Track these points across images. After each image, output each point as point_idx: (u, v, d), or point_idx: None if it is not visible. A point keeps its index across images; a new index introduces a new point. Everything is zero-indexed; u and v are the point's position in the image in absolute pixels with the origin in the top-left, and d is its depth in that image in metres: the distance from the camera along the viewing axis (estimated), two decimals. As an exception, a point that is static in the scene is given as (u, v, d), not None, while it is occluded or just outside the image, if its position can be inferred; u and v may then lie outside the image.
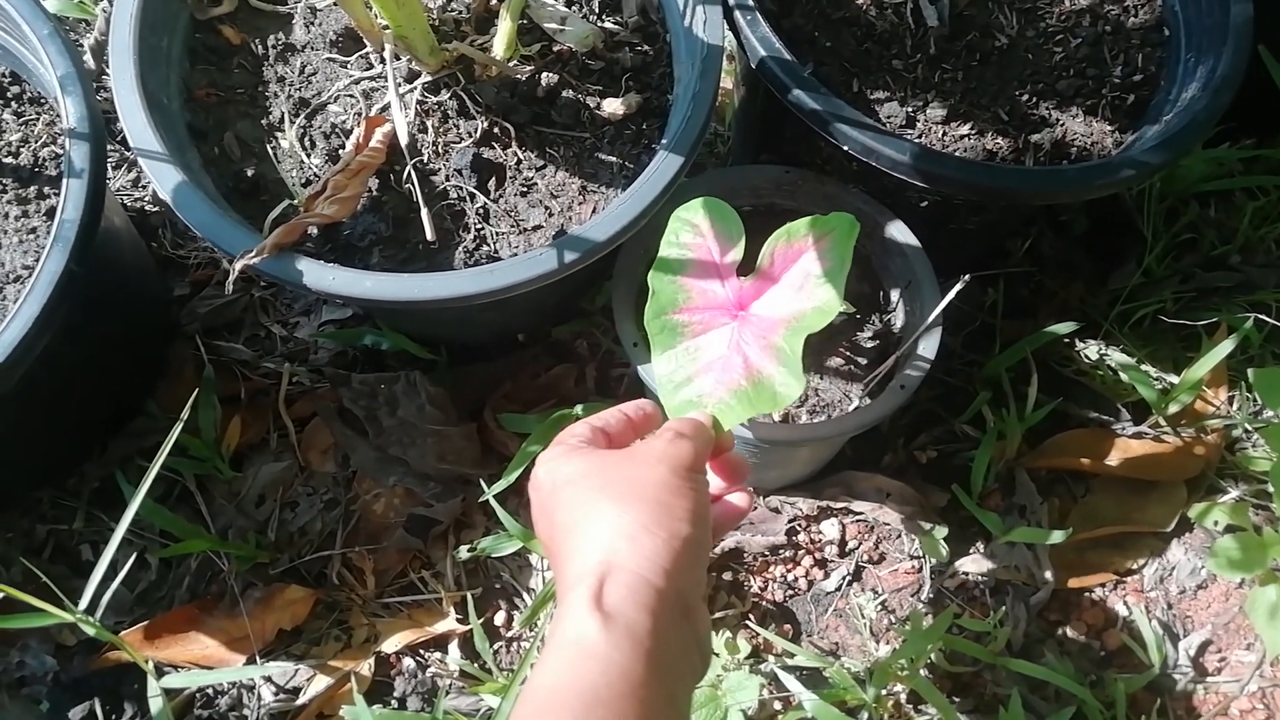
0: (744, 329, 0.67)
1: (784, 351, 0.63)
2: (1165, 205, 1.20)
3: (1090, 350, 1.13)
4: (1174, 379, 1.09)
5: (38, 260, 0.79)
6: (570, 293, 1.09)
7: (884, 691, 0.93)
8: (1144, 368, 1.11)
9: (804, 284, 0.65)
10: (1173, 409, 1.06)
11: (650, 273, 0.69)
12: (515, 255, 0.84)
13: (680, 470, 0.54)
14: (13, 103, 0.95)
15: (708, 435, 0.60)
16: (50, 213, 0.89)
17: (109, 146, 1.11)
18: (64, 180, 0.79)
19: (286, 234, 0.78)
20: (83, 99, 0.82)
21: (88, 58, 1.11)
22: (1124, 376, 1.08)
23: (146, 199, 1.14)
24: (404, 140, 0.81)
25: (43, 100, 0.95)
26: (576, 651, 0.46)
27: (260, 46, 0.92)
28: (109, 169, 1.14)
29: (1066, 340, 1.12)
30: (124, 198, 1.13)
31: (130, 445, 1.02)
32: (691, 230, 0.69)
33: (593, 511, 0.52)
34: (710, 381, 0.65)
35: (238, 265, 0.75)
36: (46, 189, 0.90)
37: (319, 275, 0.78)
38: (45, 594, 0.84)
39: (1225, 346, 1.01)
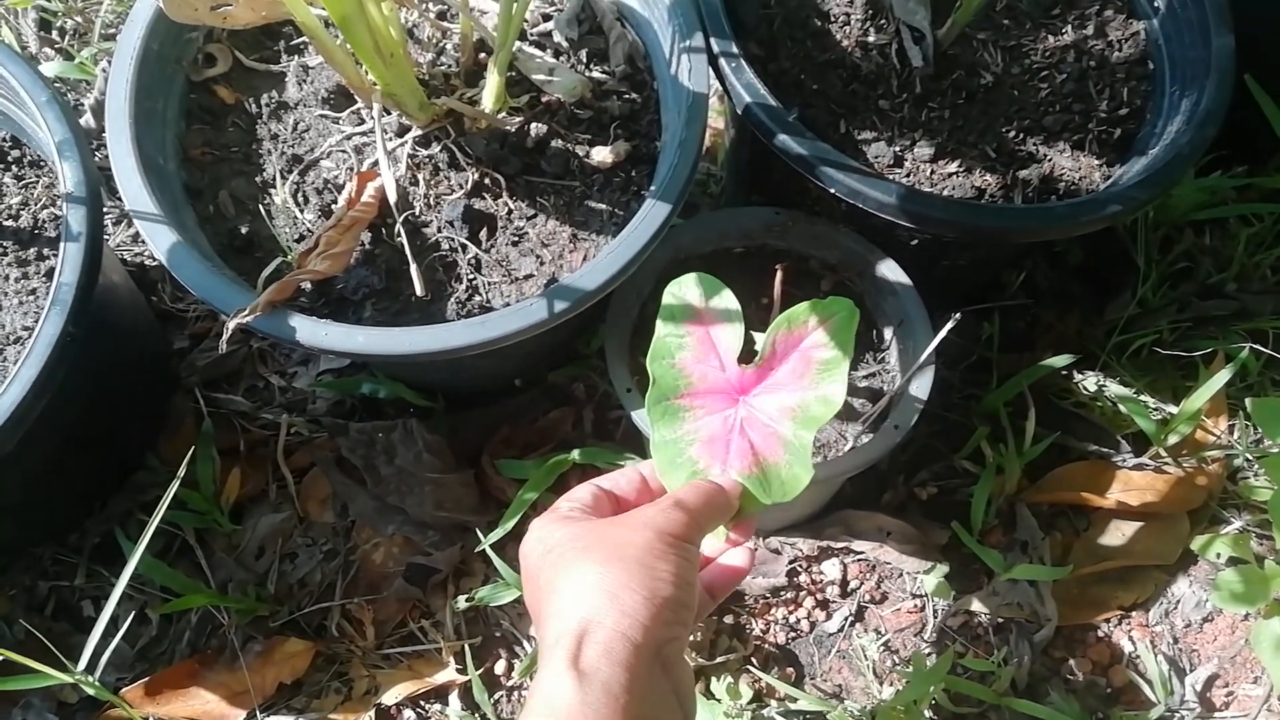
0: (747, 414, 0.66)
1: (792, 444, 0.63)
2: (1160, 234, 1.20)
3: (1088, 382, 1.13)
4: (1173, 409, 1.08)
5: (37, 321, 0.80)
6: (566, 337, 1.10)
7: (888, 734, 0.92)
8: (1143, 399, 1.11)
9: (805, 373, 0.66)
10: (1173, 440, 1.06)
11: (649, 359, 0.68)
12: (508, 304, 0.85)
13: (666, 537, 0.54)
14: (13, 166, 0.96)
15: (714, 508, 0.60)
16: (50, 274, 0.90)
17: (109, 203, 1.13)
18: (61, 244, 0.81)
19: (279, 291, 0.79)
20: (80, 164, 0.84)
21: (88, 117, 1.13)
22: (1123, 408, 1.07)
23: (146, 254, 1.16)
24: (392, 197, 0.82)
25: (42, 163, 0.97)
26: (550, 713, 0.46)
27: (254, 105, 0.93)
28: (109, 225, 1.16)
29: (1064, 372, 1.12)
30: (124, 253, 1.14)
31: (131, 500, 1.02)
32: (687, 319, 0.68)
33: (575, 572, 0.52)
34: (717, 468, 0.64)
35: (231, 324, 0.75)
36: (46, 250, 0.92)
37: (312, 331, 0.78)
38: (45, 652, 0.85)
39: (1222, 376, 1.01)
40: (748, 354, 0.67)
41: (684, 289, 0.68)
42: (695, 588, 0.55)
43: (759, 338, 0.69)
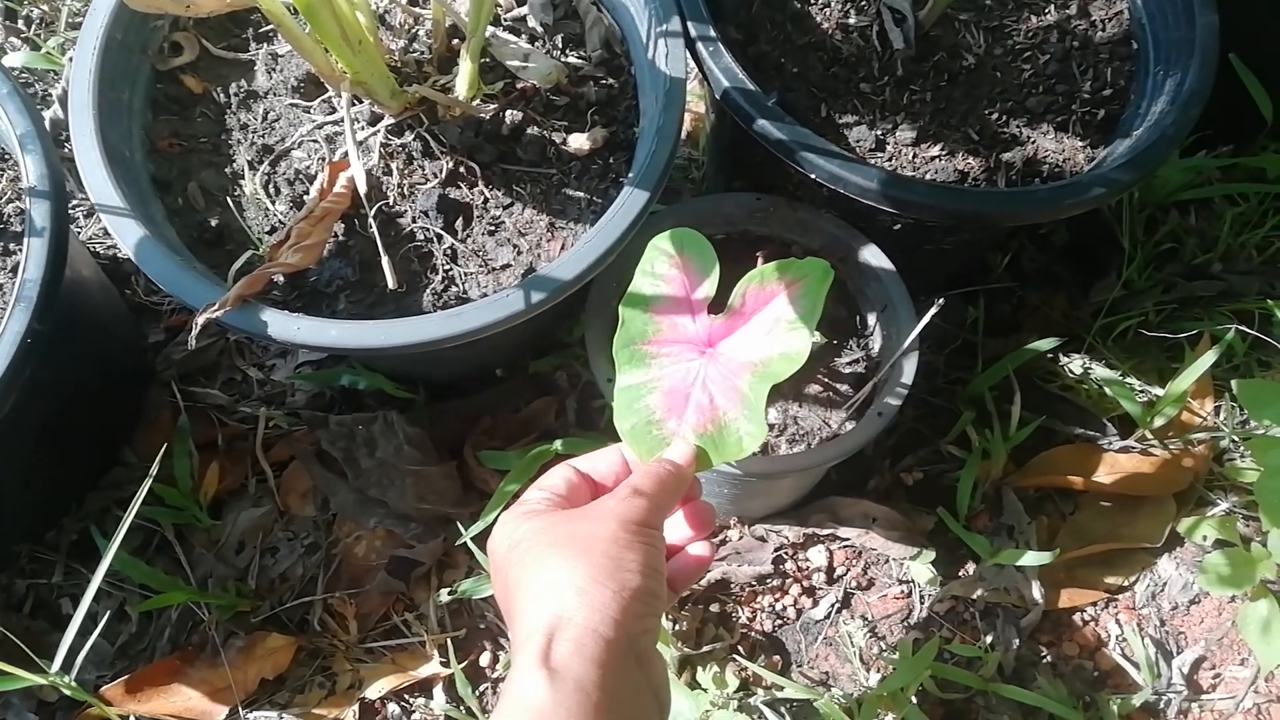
0: (711, 367, 0.66)
1: (748, 398, 0.63)
2: (1145, 215, 1.19)
3: (1074, 365, 1.12)
4: (1159, 391, 1.08)
5: (1, 318, 0.78)
6: (546, 325, 1.08)
7: (874, 722, 0.92)
8: (1128, 381, 1.10)
9: (773, 328, 0.65)
10: (1158, 422, 1.05)
11: (622, 303, 0.68)
12: (485, 295, 0.84)
13: (631, 525, 0.53)
14: (-23, 159, 0.94)
15: (670, 489, 0.59)
16: (16, 269, 0.89)
17: (79, 196, 1.11)
18: (25, 239, 0.79)
19: (250, 285, 0.77)
20: (43, 157, 0.82)
21: (55, 108, 1.11)
22: (1108, 391, 1.07)
23: (118, 247, 1.14)
24: (363, 188, 0.81)
25: (7, 156, 0.95)
26: (523, 711, 0.46)
27: (222, 94, 0.91)
28: (80, 218, 1.14)
29: (1050, 356, 1.11)
30: (96, 246, 1.12)
31: (108, 496, 1.01)
32: (666, 261, 0.69)
33: (543, 568, 0.51)
34: (673, 421, 0.64)
35: (199, 320, 0.74)
36: (12, 245, 0.90)
37: (284, 326, 0.77)
38: (21, 653, 0.84)
39: (1208, 358, 1.00)
40: (720, 306, 0.68)
41: (665, 241, 0.69)
42: (664, 574, 0.54)
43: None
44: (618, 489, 0.58)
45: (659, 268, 0.68)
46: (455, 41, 0.92)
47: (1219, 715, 0.95)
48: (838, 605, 1.02)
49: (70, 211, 1.14)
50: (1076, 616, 1.01)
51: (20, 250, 0.84)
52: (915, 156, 0.94)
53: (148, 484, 0.81)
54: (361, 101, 0.88)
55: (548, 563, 0.52)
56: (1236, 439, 1.07)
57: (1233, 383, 1.03)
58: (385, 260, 0.80)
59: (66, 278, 0.83)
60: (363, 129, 0.88)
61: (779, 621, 1.01)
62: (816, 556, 1.03)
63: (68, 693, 0.81)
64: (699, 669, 0.96)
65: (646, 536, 0.53)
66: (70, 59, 1.13)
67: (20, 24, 1.24)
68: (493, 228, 0.88)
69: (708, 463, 0.63)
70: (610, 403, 0.86)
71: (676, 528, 0.64)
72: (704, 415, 0.64)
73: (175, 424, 1.03)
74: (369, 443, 1.02)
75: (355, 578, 1.00)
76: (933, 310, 0.74)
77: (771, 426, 0.88)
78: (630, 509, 0.55)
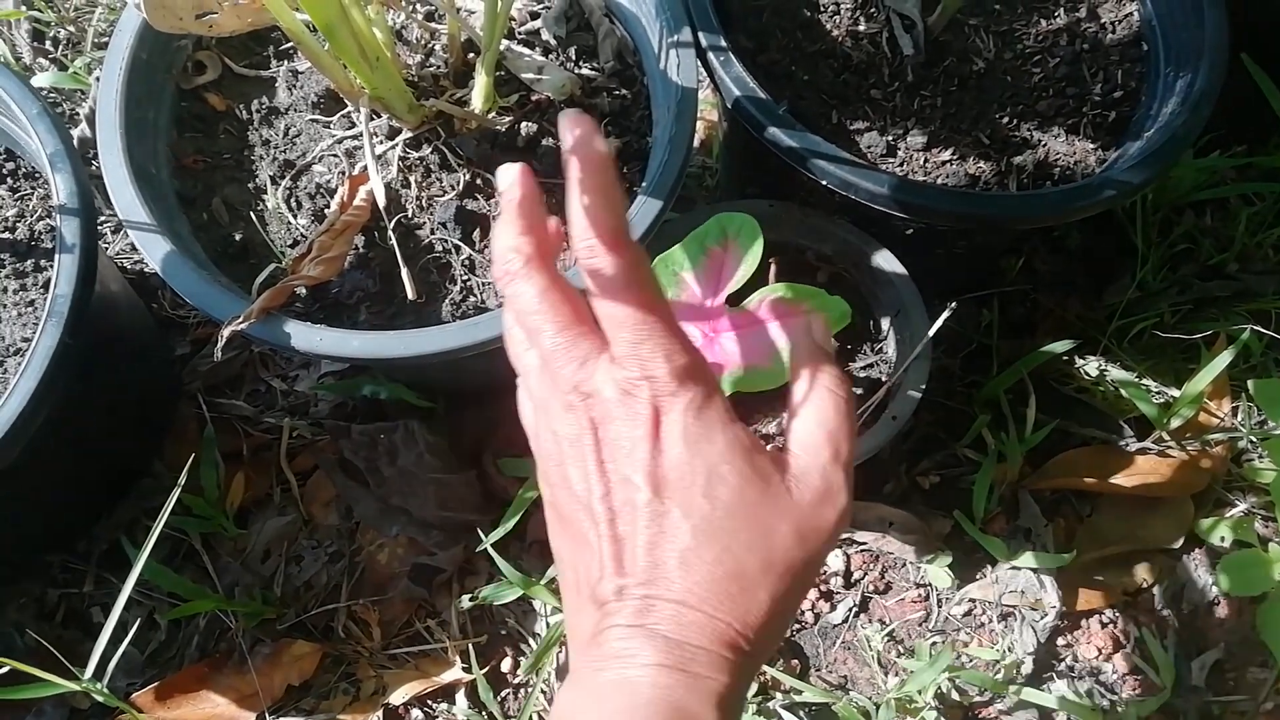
0: (707, 352, 0.69)
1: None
2: (1159, 216, 1.19)
3: (1089, 367, 1.13)
4: (1175, 393, 1.08)
5: (35, 333, 0.81)
6: (564, 335, 1.09)
7: (893, 724, 0.92)
8: (1144, 382, 1.10)
9: (770, 348, 0.68)
10: (1175, 423, 1.05)
11: (658, 260, 0.74)
12: (501, 305, 0.85)
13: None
14: (8, 179, 0.97)
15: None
16: (47, 285, 0.91)
17: (107, 212, 1.14)
18: (56, 255, 0.81)
19: (273, 298, 0.79)
20: (72, 175, 0.84)
21: (83, 127, 1.14)
22: (1124, 392, 1.07)
23: (145, 262, 1.16)
24: (381, 201, 0.82)
25: (37, 175, 0.97)
26: None
27: (245, 111, 0.94)
28: (108, 234, 1.17)
29: (1065, 358, 1.11)
30: (123, 261, 1.15)
31: (137, 507, 1.03)
32: (719, 239, 0.74)
33: None
34: None
35: (225, 333, 0.76)
36: (43, 262, 0.92)
37: (307, 337, 0.79)
38: (55, 660, 0.86)
39: (1224, 358, 1.00)
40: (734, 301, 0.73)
41: (726, 222, 0.75)
42: None
43: None
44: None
45: (709, 241, 0.74)
46: (471, 56, 0.93)
47: (1239, 717, 0.95)
48: (855, 609, 1.02)
49: (99, 228, 1.16)
50: (1094, 619, 1.01)
51: (51, 266, 0.86)
52: (926, 161, 0.95)
53: (175, 494, 0.83)
54: (380, 116, 0.90)
55: None
56: (1254, 439, 1.07)
57: (1249, 383, 1.03)
58: (405, 272, 0.82)
59: (96, 293, 0.85)
60: (381, 143, 0.90)
61: (797, 626, 1.02)
62: (833, 561, 1.04)
63: (100, 699, 0.83)
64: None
65: None
66: (97, 79, 1.15)
67: (48, 45, 1.27)
68: (509, 238, 0.89)
69: None
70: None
71: None
72: None
73: (202, 435, 1.05)
74: (391, 451, 1.03)
75: (378, 585, 1.01)
76: (945, 314, 0.75)
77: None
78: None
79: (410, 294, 0.82)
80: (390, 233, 0.85)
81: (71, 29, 1.27)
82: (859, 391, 0.92)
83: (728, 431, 0.48)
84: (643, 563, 0.46)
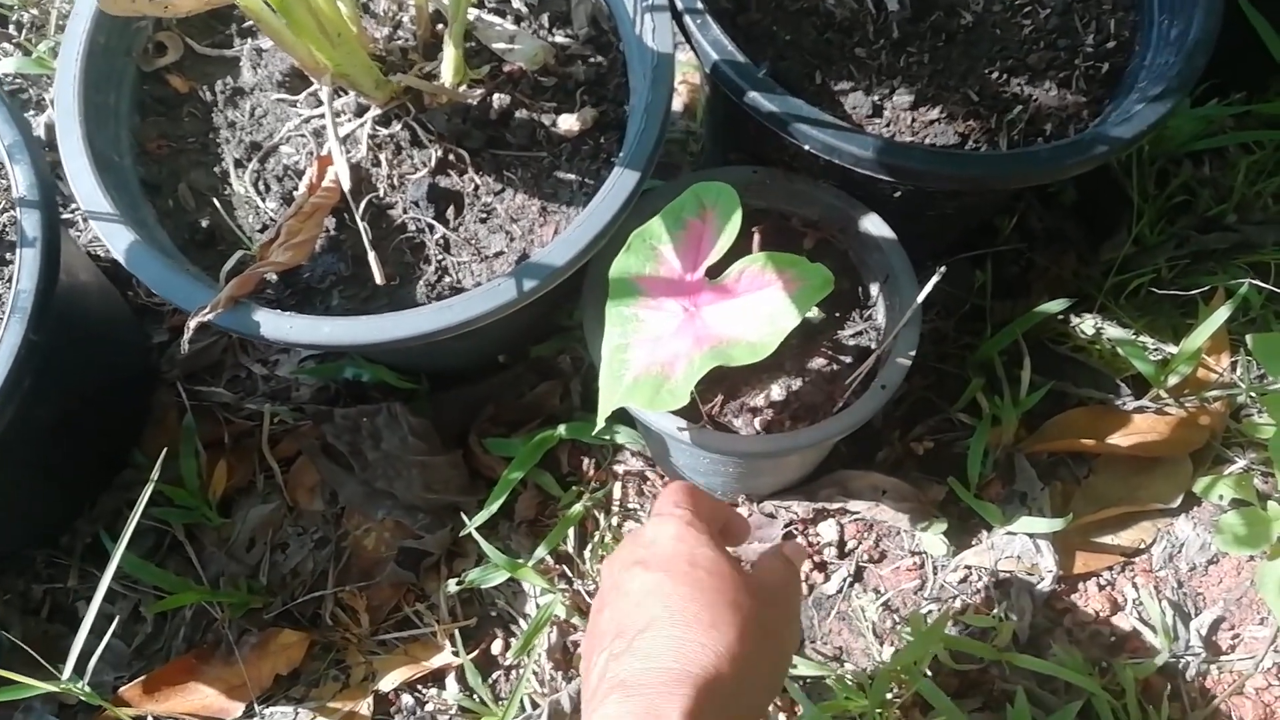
0: (689, 326, 0.70)
1: (691, 368, 0.67)
2: (1156, 168, 1.17)
3: (1085, 325, 1.10)
4: (1173, 349, 1.06)
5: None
6: (545, 310, 1.07)
7: (889, 695, 0.91)
8: (1141, 340, 1.08)
9: (755, 316, 0.66)
10: (1173, 380, 1.03)
11: (633, 235, 0.74)
12: (479, 284, 0.83)
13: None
14: (-33, 169, 0.94)
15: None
16: (11, 280, 0.89)
17: (75, 203, 1.11)
18: (17, 250, 0.79)
19: (242, 285, 0.77)
20: (31, 167, 0.82)
21: (49, 113, 1.11)
22: (1121, 350, 1.05)
23: (119, 248, 1.14)
24: (346, 183, 0.80)
25: (-1, 165, 0.95)
26: None
27: (209, 92, 0.91)
28: (80, 223, 1.14)
29: (1060, 317, 1.09)
30: (97, 249, 1.12)
31: (119, 498, 1.02)
32: (697, 210, 0.73)
33: None
34: (643, 357, 0.70)
35: (191, 324, 0.74)
36: (7, 255, 0.90)
37: (276, 325, 0.77)
38: (39, 656, 0.85)
39: (1222, 313, 0.98)
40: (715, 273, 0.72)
41: (703, 192, 0.74)
42: None
43: None
44: None
45: (686, 213, 0.73)
46: (440, 27, 0.90)
47: (1238, 676, 0.94)
48: (850, 579, 1.01)
49: (70, 216, 1.14)
50: (1092, 582, 1.00)
51: (13, 261, 0.83)
52: (914, 121, 0.92)
53: (150, 487, 0.81)
54: (346, 93, 0.87)
55: None
56: (1254, 395, 1.05)
57: (1248, 337, 1.00)
58: (372, 255, 0.79)
59: (64, 285, 0.83)
60: (349, 121, 0.87)
61: (792, 597, 1.01)
62: (827, 531, 1.03)
63: (81, 698, 0.82)
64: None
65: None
66: (59, 62, 1.12)
67: (11, 29, 1.23)
68: (484, 215, 0.86)
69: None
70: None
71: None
72: (656, 361, 0.69)
73: (182, 424, 1.04)
74: (374, 435, 1.02)
75: (365, 570, 1.00)
76: (934, 279, 0.73)
77: (773, 404, 0.87)
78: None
79: (379, 279, 0.80)
80: (359, 215, 0.83)
81: (35, 12, 1.23)
82: (848, 360, 0.90)
83: None
84: None
